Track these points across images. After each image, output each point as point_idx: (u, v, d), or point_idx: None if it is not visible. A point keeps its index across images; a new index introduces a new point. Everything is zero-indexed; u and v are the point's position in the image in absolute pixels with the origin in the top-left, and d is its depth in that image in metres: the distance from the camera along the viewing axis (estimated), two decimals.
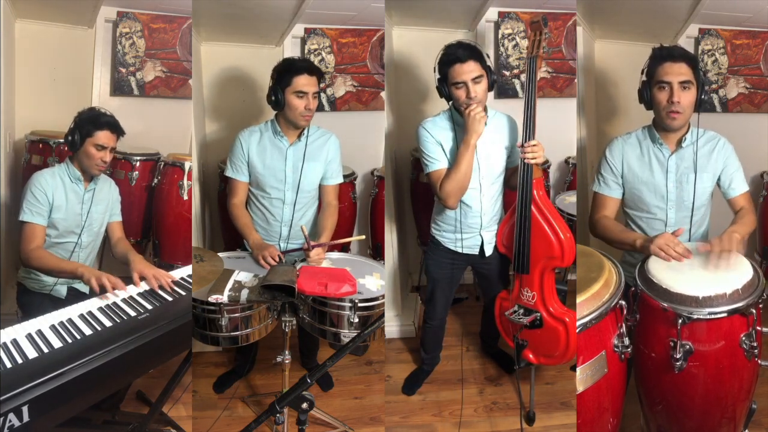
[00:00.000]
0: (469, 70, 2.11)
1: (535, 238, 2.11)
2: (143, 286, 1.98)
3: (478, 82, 2.13)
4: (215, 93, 3.11)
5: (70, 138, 2.19)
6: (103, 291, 1.89)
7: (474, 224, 2.32)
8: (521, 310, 2.19)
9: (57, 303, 2.04)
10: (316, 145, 2.40)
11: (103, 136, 2.18)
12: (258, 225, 2.41)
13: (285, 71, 2.26)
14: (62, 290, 2.24)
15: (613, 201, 2.18)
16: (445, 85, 2.18)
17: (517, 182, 2.13)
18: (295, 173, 2.36)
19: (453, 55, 2.12)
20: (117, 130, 2.23)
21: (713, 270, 1.78)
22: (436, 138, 2.22)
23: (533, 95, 2.07)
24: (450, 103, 2.25)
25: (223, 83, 3.11)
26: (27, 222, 2.13)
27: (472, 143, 2.12)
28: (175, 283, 2.00)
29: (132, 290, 1.94)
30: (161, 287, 1.97)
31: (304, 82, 2.25)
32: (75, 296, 2.21)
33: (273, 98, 2.28)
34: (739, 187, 2.10)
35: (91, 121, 2.19)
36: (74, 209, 2.23)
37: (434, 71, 2.20)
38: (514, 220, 2.16)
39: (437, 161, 2.23)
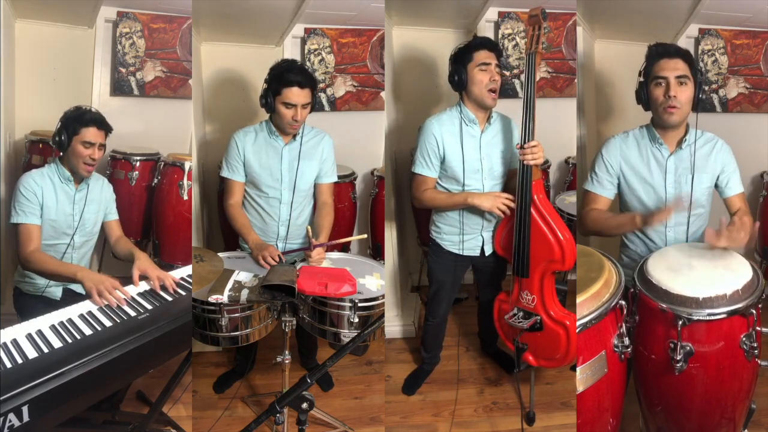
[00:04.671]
0: (492, 57, 2.22)
1: (536, 242, 2.10)
2: (143, 286, 1.96)
3: (498, 72, 2.21)
4: (215, 93, 3.11)
5: (57, 138, 2.15)
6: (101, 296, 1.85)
7: (476, 225, 2.33)
8: (521, 313, 2.18)
9: (52, 305, 2.01)
10: (311, 144, 2.40)
11: (89, 133, 2.13)
12: (254, 225, 2.41)
13: (277, 80, 2.25)
14: (57, 292, 2.22)
15: (605, 200, 2.16)
16: (464, 71, 2.22)
17: (516, 184, 2.12)
18: (291, 172, 2.37)
19: (484, 40, 2.26)
20: (104, 126, 2.18)
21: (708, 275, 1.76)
22: (440, 141, 2.24)
23: (532, 94, 2.06)
24: (459, 98, 2.29)
25: (223, 83, 3.11)
26: (21, 223, 2.09)
27: (469, 203, 2.21)
28: (176, 283, 2.00)
29: (132, 291, 1.92)
30: (164, 288, 1.95)
31: (292, 95, 2.24)
32: (71, 297, 2.18)
33: (264, 101, 2.29)
34: (735, 187, 2.10)
35: (76, 119, 2.15)
36: (65, 210, 2.19)
37: (451, 59, 2.28)
38: (513, 223, 2.15)
39: (428, 169, 2.28)
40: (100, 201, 2.31)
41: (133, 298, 1.87)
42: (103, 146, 2.19)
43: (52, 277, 2.10)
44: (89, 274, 1.94)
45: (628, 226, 2.03)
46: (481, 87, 2.20)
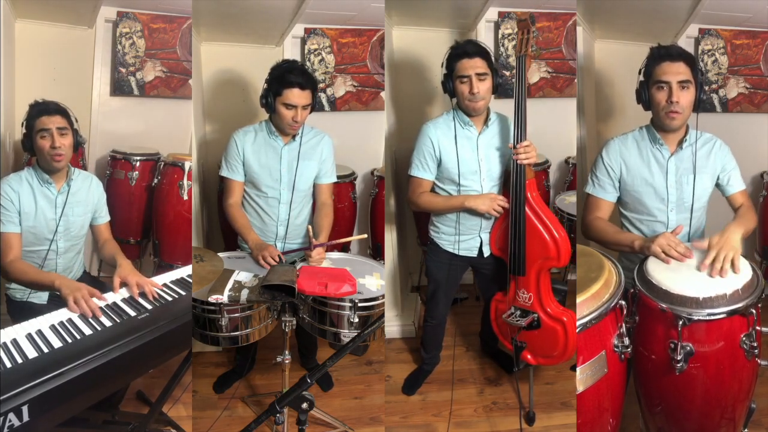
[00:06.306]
0: (475, 65, 2.16)
1: (531, 240, 2.12)
2: (123, 293, 1.88)
3: (482, 80, 2.17)
4: (215, 93, 3.11)
5: (23, 142, 2.07)
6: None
7: (474, 226, 2.33)
8: (518, 312, 2.19)
9: (38, 310, 1.89)
10: (310, 144, 2.40)
11: (41, 122, 2.02)
12: (253, 225, 2.41)
13: (278, 81, 2.24)
14: (43, 296, 2.14)
15: (607, 204, 2.16)
16: (451, 80, 2.22)
17: (510, 184, 2.13)
18: (291, 172, 2.37)
19: (461, 50, 2.18)
20: (56, 111, 2.04)
21: (707, 276, 1.74)
22: (436, 144, 2.24)
23: (524, 95, 2.09)
24: (453, 101, 2.27)
25: (223, 83, 3.11)
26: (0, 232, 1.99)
27: (465, 206, 2.22)
28: (175, 282, 2.00)
29: (112, 297, 1.85)
30: (143, 295, 1.86)
31: (293, 96, 2.23)
32: (57, 303, 2.02)
33: (264, 102, 2.29)
34: (737, 184, 2.11)
35: (30, 117, 2.05)
36: (46, 215, 2.09)
37: (441, 66, 2.25)
38: (508, 222, 2.16)
39: (424, 171, 2.29)
40: (87, 203, 2.21)
41: (132, 298, 1.87)
42: (63, 129, 2.04)
43: (31, 286, 2.04)
44: (67, 282, 1.87)
45: (626, 247, 2.02)
46: (463, 98, 2.20)
